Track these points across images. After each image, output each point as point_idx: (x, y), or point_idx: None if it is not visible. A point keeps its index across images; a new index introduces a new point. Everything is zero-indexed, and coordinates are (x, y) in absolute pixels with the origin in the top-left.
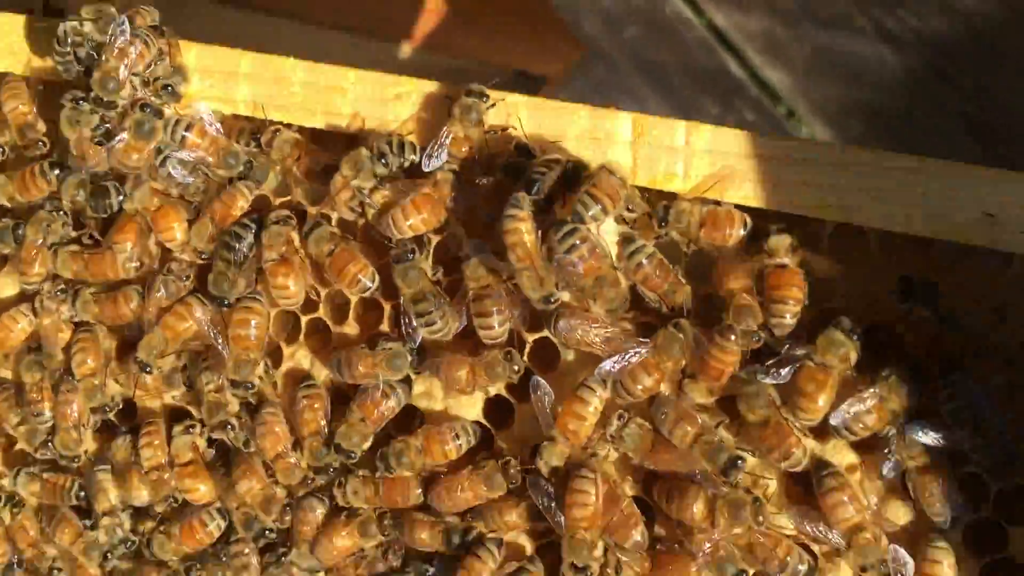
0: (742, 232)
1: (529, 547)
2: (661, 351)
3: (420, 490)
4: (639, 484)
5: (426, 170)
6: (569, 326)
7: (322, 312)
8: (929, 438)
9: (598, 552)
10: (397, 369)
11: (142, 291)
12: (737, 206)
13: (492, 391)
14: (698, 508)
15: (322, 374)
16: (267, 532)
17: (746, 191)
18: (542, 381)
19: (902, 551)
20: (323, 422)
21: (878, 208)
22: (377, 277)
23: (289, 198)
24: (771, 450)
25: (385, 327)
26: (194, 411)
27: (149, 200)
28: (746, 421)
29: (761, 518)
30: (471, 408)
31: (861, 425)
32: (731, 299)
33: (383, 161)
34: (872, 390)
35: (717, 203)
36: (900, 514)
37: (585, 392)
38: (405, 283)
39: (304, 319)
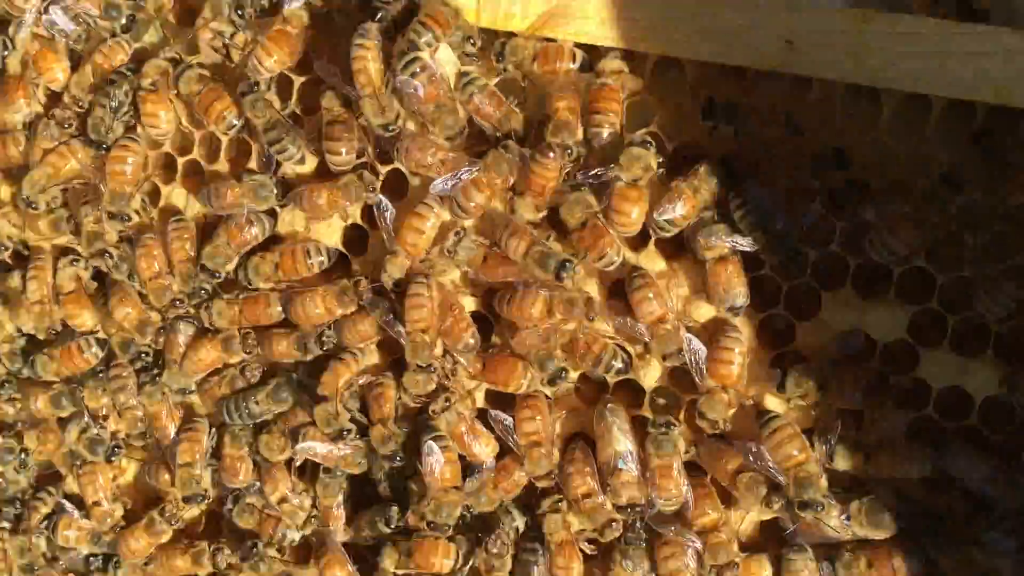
0: (572, 65)
1: (383, 361)
2: (490, 169)
3: (279, 308)
4: (479, 298)
5: (286, 8)
6: (410, 147)
7: (196, 154)
8: (723, 241)
9: (438, 351)
10: (262, 199)
11: (30, 135)
12: (578, 45)
13: (350, 217)
14: (537, 308)
15: (195, 210)
16: (142, 355)
17: (576, 28)
18: (384, 199)
19: (696, 340)
20: (192, 251)
21: (691, 40)
22: (243, 117)
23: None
24: (588, 251)
25: (253, 164)
26: (80, 250)
27: (30, 43)
28: (567, 226)
29: (592, 313)
30: (331, 236)
31: (679, 215)
32: (553, 116)
33: (239, 13)
34: (685, 183)
35: (553, 40)
36: (703, 312)
37: (423, 208)
38: (254, 114)
39: (180, 161)
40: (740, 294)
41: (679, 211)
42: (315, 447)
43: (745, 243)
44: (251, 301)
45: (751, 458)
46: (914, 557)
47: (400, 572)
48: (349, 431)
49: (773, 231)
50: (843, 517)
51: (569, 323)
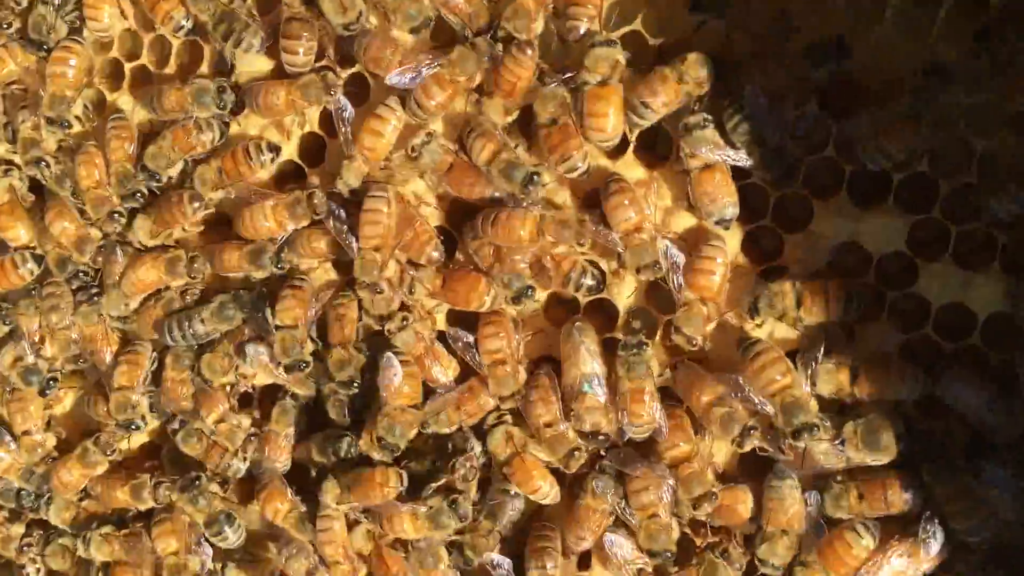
0: None
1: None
2: (455, 65)
3: (194, 207)
4: (444, 213)
5: None
6: (369, 44)
7: (145, 59)
8: (713, 155)
9: (389, 272)
10: (204, 105)
11: None
12: None
13: (307, 122)
14: (527, 229)
15: (140, 117)
16: (80, 273)
17: None
18: (343, 99)
19: (674, 248)
20: (131, 150)
21: None
22: (191, 18)
23: None
24: (552, 151)
25: (204, 68)
26: (16, 158)
27: None
28: (537, 121)
29: (583, 237)
30: (286, 147)
31: (660, 102)
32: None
33: None
34: (670, 68)
35: None
36: (683, 223)
37: (383, 110)
38: (198, 8)
39: (128, 67)
40: (729, 204)
41: (660, 98)
42: (263, 355)
43: (739, 158)
44: (162, 206)
45: (735, 393)
46: (910, 490)
47: (343, 506)
48: (308, 364)
49: (770, 144)
50: (837, 442)
51: (558, 246)
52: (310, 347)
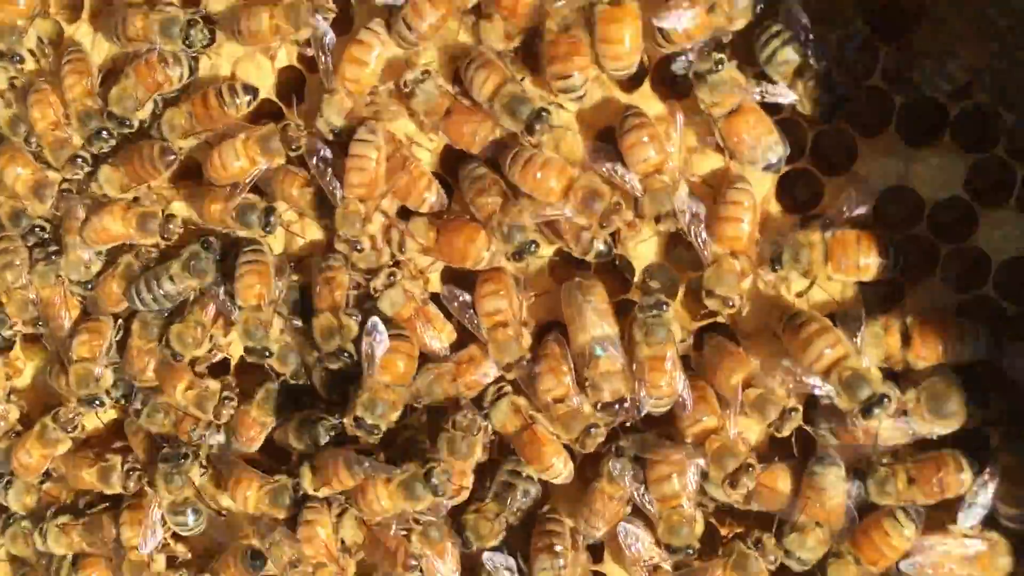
0: None
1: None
2: None
3: (166, 159)
4: (437, 158)
5: None
6: None
7: None
8: (744, 96)
9: (372, 227)
10: (170, 38)
11: None
12: None
13: (294, 50)
14: (559, 182)
15: (103, 53)
16: (36, 228)
17: None
18: (324, 24)
19: (694, 197)
20: (88, 84)
21: None
22: None
23: None
24: (552, 62)
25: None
26: None
27: None
28: (546, 27)
29: (606, 222)
30: (264, 80)
31: (684, 28)
32: None
33: None
34: None
35: None
36: (708, 164)
37: (366, 35)
38: None
39: None
40: (773, 144)
41: (685, 22)
42: None
43: (779, 92)
44: (132, 157)
45: (790, 377)
46: (965, 472)
47: (321, 492)
48: (271, 353)
49: (814, 72)
50: (898, 417)
51: (580, 217)
52: (278, 326)
